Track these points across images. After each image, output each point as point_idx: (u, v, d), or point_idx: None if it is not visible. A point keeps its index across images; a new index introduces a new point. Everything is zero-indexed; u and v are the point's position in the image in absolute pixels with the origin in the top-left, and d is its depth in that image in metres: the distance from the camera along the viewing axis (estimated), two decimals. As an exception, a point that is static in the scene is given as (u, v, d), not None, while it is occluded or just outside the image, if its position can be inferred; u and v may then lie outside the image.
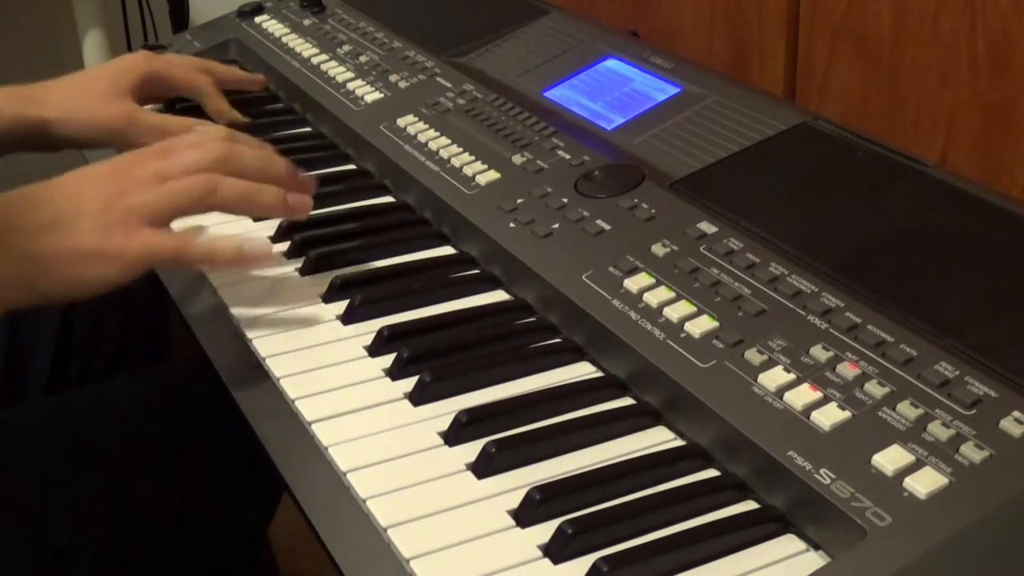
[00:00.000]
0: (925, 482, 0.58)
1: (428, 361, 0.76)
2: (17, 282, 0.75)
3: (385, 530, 0.63)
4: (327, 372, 0.76)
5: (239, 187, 0.80)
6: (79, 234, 0.76)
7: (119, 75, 1.05)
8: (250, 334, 0.81)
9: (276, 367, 0.77)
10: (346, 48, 1.20)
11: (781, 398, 0.65)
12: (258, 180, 0.82)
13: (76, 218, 0.76)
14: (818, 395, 0.65)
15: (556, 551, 0.60)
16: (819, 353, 0.68)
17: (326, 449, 0.69)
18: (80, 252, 0.75)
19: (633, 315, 0.74)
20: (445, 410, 0.72)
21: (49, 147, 1.04)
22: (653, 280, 0.76)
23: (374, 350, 0.78)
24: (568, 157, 0.92)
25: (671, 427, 0.70)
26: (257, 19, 1.32)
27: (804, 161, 0.86)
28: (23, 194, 0.78)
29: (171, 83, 1.10)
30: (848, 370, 0.66)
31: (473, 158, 0.95)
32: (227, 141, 0.83)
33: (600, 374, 0.75)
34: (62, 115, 1.01)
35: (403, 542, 0.62)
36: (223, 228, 0.92)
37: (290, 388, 0.75)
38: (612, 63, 1.04)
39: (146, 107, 1.07)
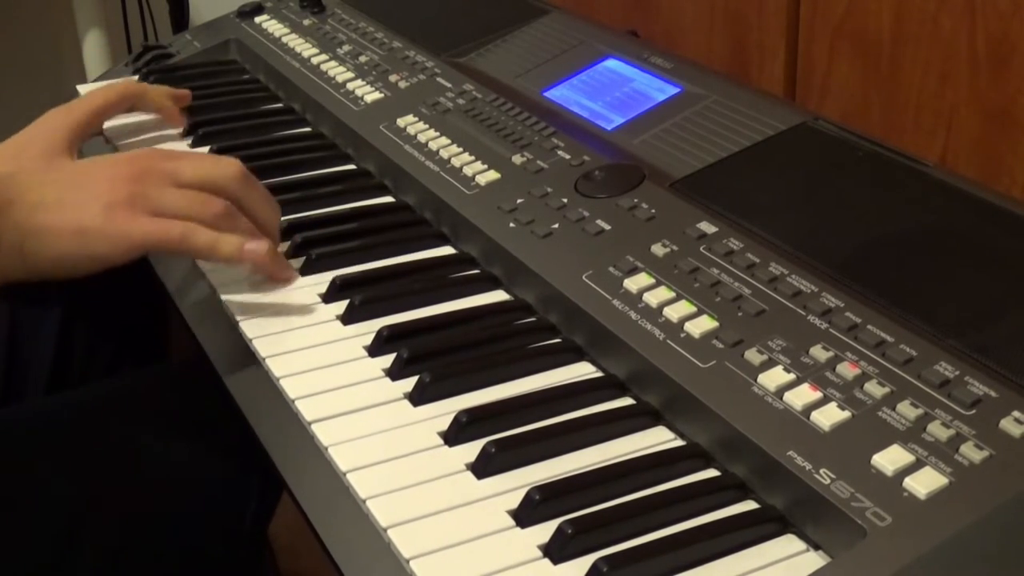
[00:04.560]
0: (925, 482, 0.58)
1: (428, 361, 0.76)
2: (13, 256, 0.76)
3: (385, 530, 0.63)
4: (327, 372, 0.76)
5: (249, 228, 0.83)
6: (82, 212, 0.77)
7: (49, 136, 1.03)
8: (250, 334, 0.81)
9: (276, 367, 0.77)
10: (346, 48, 1.20)
11: (781, 398, 0.65)
12: (264, 211, 0.85)
13: (81, 197, 0.77)
14: (818, 395, 0.65)
15: (556, 551, 0.60)
16: (819, 353, 0.68)
17: (326, 449, 0.69)
18: (81, 228, 0.76)
19: (633, 315, 0.74)
20: (445, 410, 0.72)
21: None
22: (653, 280, 0.76)
23: (374, 350, 0.78)
24: (568, 157, 0.92)
25: (671, 427, 0.70)
26: (257, 19, 1.33)
27: (804, 161, 0.86)
28: (30, 173, 0.80)
29: (103, 112, 1.07)
30: (848, 370, 0.66)
31: (473, 158, 0.95)
32: (239, 166, 0.84)
33: (600, 374, 0.75)
34: None
35: (403, 542, 0.62)
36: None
37: (290, 388, 0.75)
38: (612, 63, 1.04)
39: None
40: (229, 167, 0.84)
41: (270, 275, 0.85)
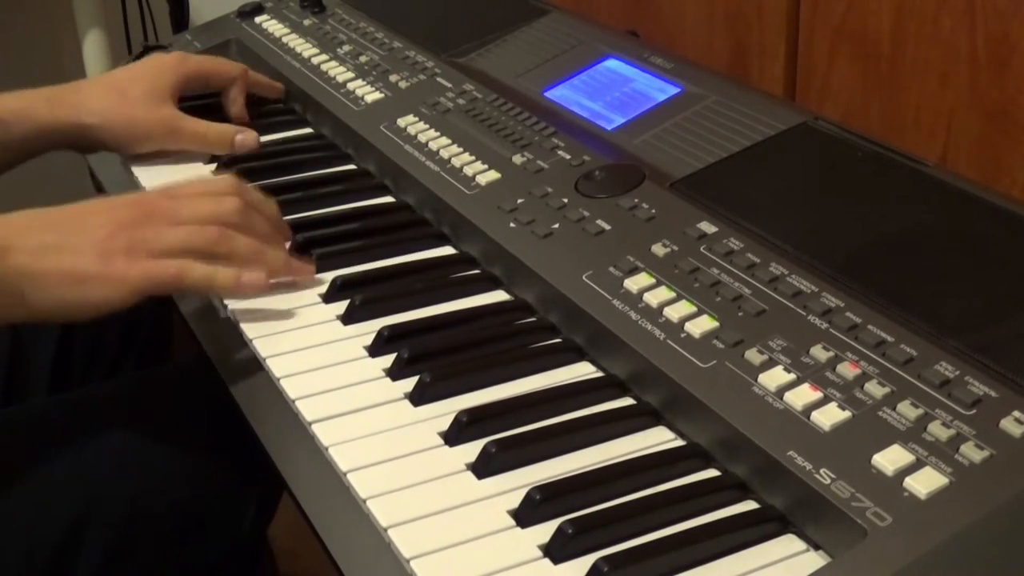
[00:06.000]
0: (925, 482, 0.58)
1: (428, 361, 0.76)
2: (12, 298, 0.76)
3: (385, 530, 0.63)
4: (327, 372, 0.76)
5: (251, 247, 0.83)
6: (81, 257, 0.77)
7: (157, 77, 1.06)
8: (250, 334, 0.81)
9: (276, 367, 0.77)
10: (346, 48, 1.20)
11: (781, 398, 0.65)
12: (263, 242, 0.84)
13: (80, 242, 0.77)
14: (818, 395, 0.65)
15: (556, 551, 0.61)
16: (819, 353, 0.68)
17: (326, 449, 0.70)
18: (81, 274, 0.76)
19: (633, 315, 0.74)
20: (445, 410, 0.72)
21: (85, 150, 1.05)
22: (653, 280, 0.76)
23: (374, 350, 0.78)
24: (568, 157, 0.92)
25: (671, 427, 0.70)
26: (257, 19, 1.32)
27: (804, 161, 0.86)
28: (30, 215, 0.79)
29: (207, 78, 1.11)
30: (848, 370, 0.66)
31: (473, 158, 0.95)
32: (239, 197, 0.84)
33: (600, 374, 0.75)
34: (100, 121, 1.02)
35: (403, 542, 0.62)
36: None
37: (290, 388, 0.75)
38: (612, 63, 1.04)
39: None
40: (228, 203, 0.83)
41: (289, 284, 0.86)
